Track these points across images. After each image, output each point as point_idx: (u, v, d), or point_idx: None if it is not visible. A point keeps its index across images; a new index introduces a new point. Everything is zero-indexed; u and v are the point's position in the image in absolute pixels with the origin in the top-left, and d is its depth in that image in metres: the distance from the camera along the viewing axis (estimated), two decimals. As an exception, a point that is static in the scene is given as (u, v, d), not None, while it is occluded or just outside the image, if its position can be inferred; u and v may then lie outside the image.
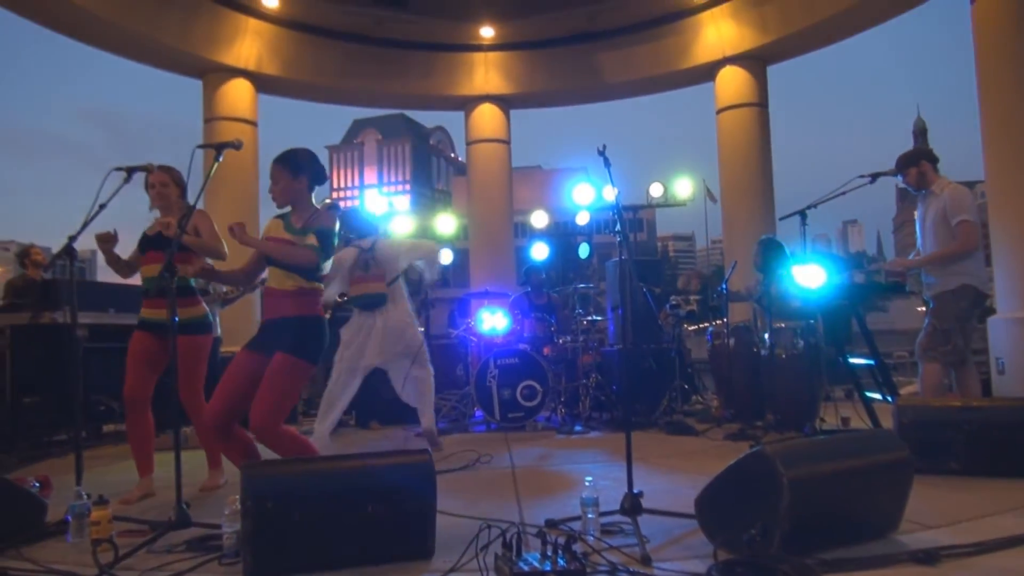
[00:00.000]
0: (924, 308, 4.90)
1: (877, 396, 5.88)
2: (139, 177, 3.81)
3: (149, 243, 4.00)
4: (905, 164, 4.86)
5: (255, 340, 3.50)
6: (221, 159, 3.36)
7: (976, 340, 6.27)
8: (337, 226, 3.55)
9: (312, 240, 3.39)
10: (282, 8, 9.59)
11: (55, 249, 3.54)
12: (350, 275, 5.17)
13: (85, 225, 3.42)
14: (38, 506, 3.20)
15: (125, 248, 4.10)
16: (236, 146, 3.43)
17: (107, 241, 3.72)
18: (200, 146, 3.66)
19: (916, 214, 5.01)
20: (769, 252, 6.25)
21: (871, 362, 6.04)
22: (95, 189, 3.43)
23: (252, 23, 9.69)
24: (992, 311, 7.03)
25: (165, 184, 4.03)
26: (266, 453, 3.47)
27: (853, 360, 6.03)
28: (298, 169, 3.48)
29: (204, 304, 4.22)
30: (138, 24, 8.65)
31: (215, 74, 9.76)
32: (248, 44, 9.72)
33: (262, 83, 10.12)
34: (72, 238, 3.41)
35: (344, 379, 5.07)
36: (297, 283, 3.42)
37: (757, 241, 6.51)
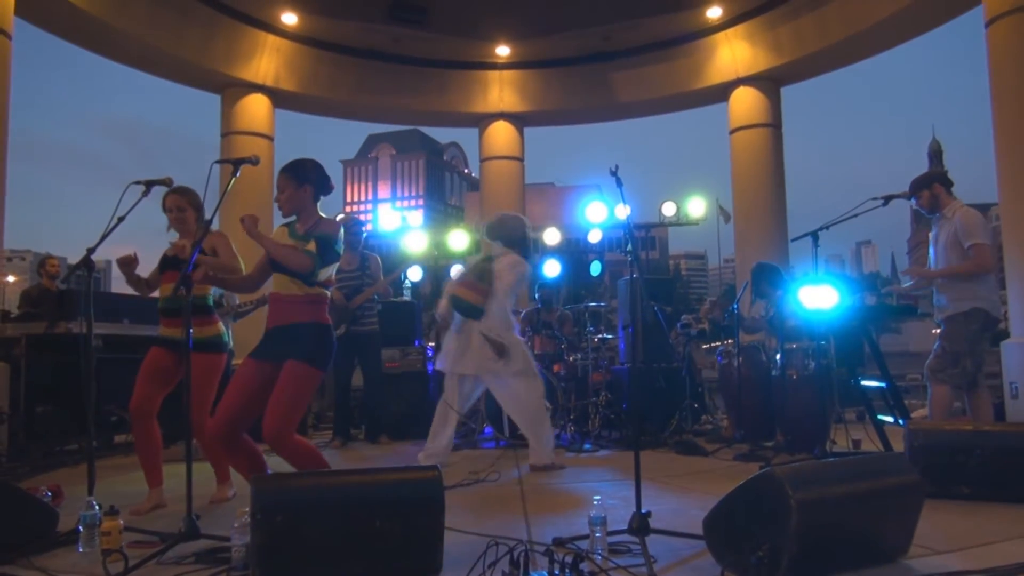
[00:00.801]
0: (938, 330, 4.89)
1: (889, 419, 5.84)
2: (157, 192, 3.87)
3: (168, 263, 4.05)
4: (918, 186, 4.87)
5: (261, 348, 3.50)
6: (238, 174, 3.40)
7: (991, 363, 6.23)
8: (341, 234, 3.58)
9: (311, 247, 3.41)
10: (301, 25, 9.72)
11: (71, 259, 3.60)
12: (463, 277, 5.06)
13: (104, 237, 3.47)
14: (50, 515, 3.23)
15: (144, 265, 4.16)
16: (253, 162, 3.47)
17: (128, 264, 3.79)
18: (218, 161, 3.71)
19: (931, 236, 5.01)
20: (761, 277, 6.29)
21: (883, 384, 6.00)
22: (112, 200, 3.49)
23: (271, 39, 9.82)
24: (1006, 334, 6.98)
25: (182, 208, 4.08)
26: (278, 466, 3.49)
27: (865, 382, 6.00)
28: (303, 178, 3.52)
29: (220, 324, 4.26)
30: (161, 40, 8.80)
31: (234, 89, 9.89)
32: (267, 60, 9.85)
33: (279, 98, 10.24)
34: (91, 250, 3.46)
35: (446, 385, 5.04)
36: (304, 289, 3.43)
37: (751, 270, 6.53)
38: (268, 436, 3.25)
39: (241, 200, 9.19)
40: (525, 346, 5.24)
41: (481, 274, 4.96)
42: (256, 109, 10.02)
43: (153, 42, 8.75)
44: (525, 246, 5.19)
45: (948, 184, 4.86)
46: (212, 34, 9.31)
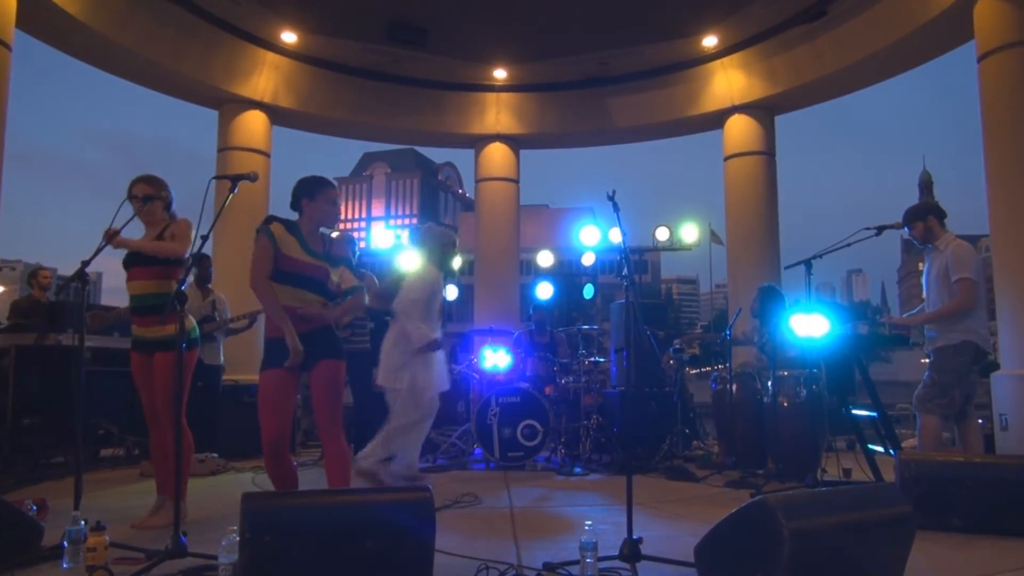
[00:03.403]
0: (927, 360, 4.92)
1: (879, 448, 5.85)
2: None
3: (131, 260, 4.01)
4: (912, 218, 4.93)
5: (285, 356, 3.48)
6: (236, 191, 3.41)
7: (981, 395, 6.25)
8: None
9: (347, 276, 3.70)
10: (300, 44, 9.77)
11: (60, 270, 3.60)
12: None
13: (99, 251, 3.47)
14: (35, 529, 3.19)
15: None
16: (251, 178, 3.48)
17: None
18: (216, 177, 3.73)
19: (923, 267, 5.06)
20: (767, 300, 6.31)
21: (874, 414, 6.02)
22: (103, 211, 3.54)
23: (270, 57, 9.86)
24: (996, 366, 7.01)
25: (150, 197, 4.02)
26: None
27: (856, 411, 6.01)
28: None
29: (192, 319, 4.22)
30: (161, 55, 8.81)
31: (232, 105, 9.90)
32: (265, 77, 9.88)
33: (277, 115, 10.26)
34: (85, 263, 3.45)
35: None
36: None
37: (758, 288, 6.57)
38: (330, 433, 3.46)
39: (236, 215, 9.16)
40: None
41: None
42: (253, 125, 10.03)
43: (153, 57, 8.76)
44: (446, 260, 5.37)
45: (942, 216, 4.92)
46: (212, 50, 9.34)
